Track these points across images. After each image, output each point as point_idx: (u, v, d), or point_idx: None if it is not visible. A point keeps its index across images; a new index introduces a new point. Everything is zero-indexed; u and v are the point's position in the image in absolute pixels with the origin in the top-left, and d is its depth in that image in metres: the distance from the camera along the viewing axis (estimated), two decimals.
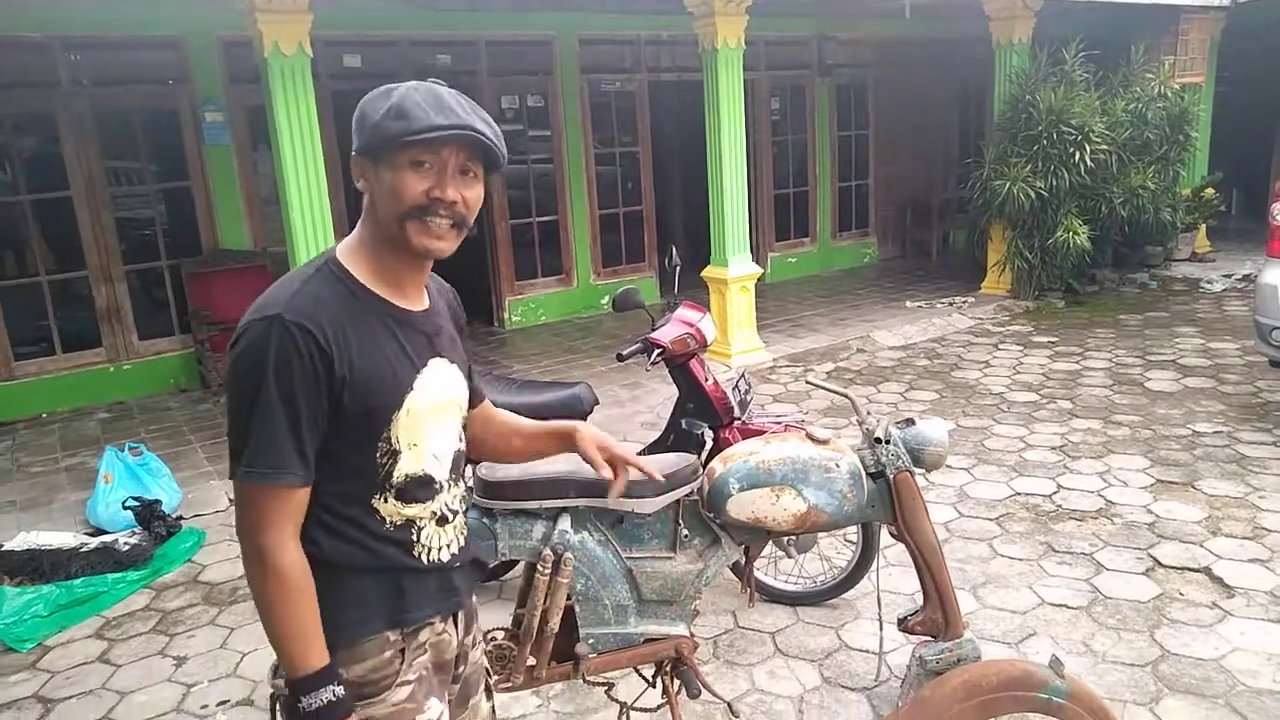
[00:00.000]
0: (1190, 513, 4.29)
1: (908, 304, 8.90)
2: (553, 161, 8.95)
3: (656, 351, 3.41)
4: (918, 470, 2.62)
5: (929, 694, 2.59)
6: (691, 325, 3.51)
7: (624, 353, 3.46)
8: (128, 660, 3.59)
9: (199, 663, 3.54)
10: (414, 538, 1.57)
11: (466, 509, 1.72)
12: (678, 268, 3.85)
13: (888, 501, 2.60)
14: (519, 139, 8.93)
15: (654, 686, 2.69)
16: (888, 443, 2.53)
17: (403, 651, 1.56)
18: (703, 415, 3.52)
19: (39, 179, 6.77)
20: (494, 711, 1.89)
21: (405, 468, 1.53)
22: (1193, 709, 2.92)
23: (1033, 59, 8.65)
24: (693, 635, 2.64)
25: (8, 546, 4.37)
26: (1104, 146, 8.21)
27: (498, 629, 2.57)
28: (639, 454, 2.08)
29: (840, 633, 3.44)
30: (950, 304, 8.80)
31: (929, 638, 2.78)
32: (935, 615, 2.78)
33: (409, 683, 1.55)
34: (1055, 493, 4.60)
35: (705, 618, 3.52)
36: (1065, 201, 8.36)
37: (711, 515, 2.58)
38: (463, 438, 1.68)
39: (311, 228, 5.35)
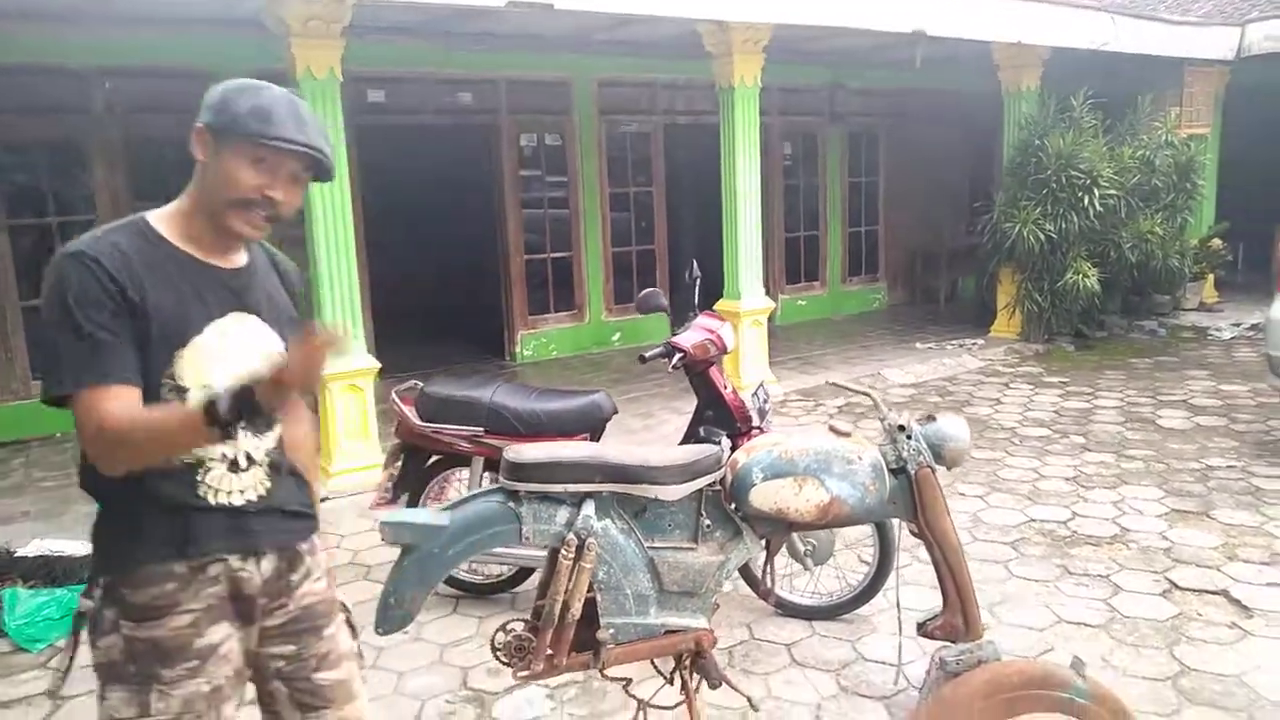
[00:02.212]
0: (1206, 539, 4.27)
1: (918, 345, 8.95)
2: (568, 199, 9.09)
3: (678, 355, 3.46)
4: (939, 467, 2.64)
5: (950, 693, 2.58)
6: (712, 332, 3.56)
7: (646, 354, 3.51)
8: None
9: None
10: (199, 478, 1.65)
11: (279, 463, 1.77)
12: (698, 280, 3.91)
13: (909, 498, 2.61)
14: (535, 181, 9.09)
15: (671, 684, 2.67)
16: (909, 437, 2.55)
17: (189, 583, 1.65)
18: (721, 423, 3.55)
19: (67, 203, 6.91)
20: (360, 651, 1.97)
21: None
22: None
23: (1041, 106, 8.82)
24: (712, 630, 2.64)
25: (21, 552, 4.37)
26: (1112, 191, 8.31)
27: (517, 619, 2.57)
28: None
29: (857, 645, 3.42)
30: (960, 345, 8.85)
31: (949, 642, 2.77)
32: (955, 619, 2.76)
33: (193, 610, 1.64)
34: (1070, 519, 4.58)
35: (720, 630, 3.48)
36: (1075, 245, 8.44)
37: (734, 507, 2.59)
38: None
39: (333, 239, 5.41)
